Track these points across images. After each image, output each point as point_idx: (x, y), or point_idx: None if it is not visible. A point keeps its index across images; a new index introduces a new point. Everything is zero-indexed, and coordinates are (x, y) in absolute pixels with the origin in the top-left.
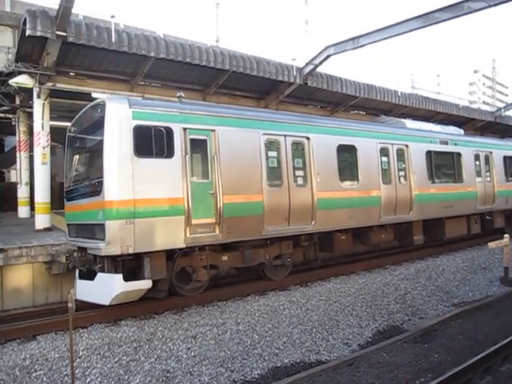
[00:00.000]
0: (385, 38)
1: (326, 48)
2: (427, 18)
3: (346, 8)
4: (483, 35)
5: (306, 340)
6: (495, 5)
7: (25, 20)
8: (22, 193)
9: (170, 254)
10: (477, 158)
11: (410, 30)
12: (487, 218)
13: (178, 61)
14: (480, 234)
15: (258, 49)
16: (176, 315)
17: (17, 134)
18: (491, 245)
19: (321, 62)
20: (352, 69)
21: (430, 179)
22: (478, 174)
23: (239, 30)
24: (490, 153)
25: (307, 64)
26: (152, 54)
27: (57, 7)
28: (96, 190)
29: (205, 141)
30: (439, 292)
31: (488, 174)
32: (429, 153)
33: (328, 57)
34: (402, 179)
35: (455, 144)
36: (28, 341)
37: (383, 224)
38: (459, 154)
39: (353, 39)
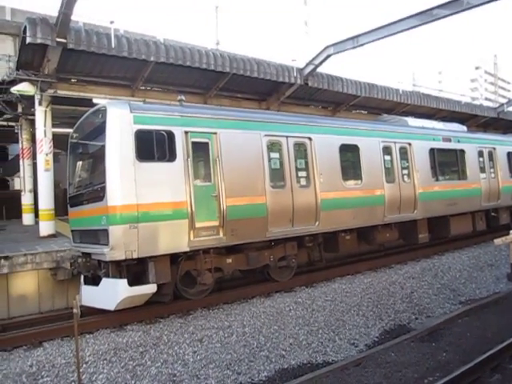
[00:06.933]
0: (384, 37)
1: (326, 48)
2: (426, 15)
3: (345, 8)
4: (484, 31)
5: (313, 341)
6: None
7: (25, 28)
8: (26, 200)
9: (175, 258)
10: (480, 154)
11: (409, 28)
12: (492, 214)
13: (178, 64)
14: (485, 231)
15: (258, 50)
16: (181, 319)
17: (20, 142)
18: (497, 241)
19: (321, 62)
20: (353, 68)
21: (433, 177)
22: (482, 170)
23: (239, 33)
24: (494, 149)
25: (307, 64)
26: (152, 59)
27: (56, 15)
28: (99, 195)
29: (207, 144)
30: (446, 290)
31: (492, 170)
32: (432, 150)
33: (328, 57)
34: (405, 177)
35: (458, 141)
36: (34, 347)
37: (388, 223)
38: (463, 151)
39: (352, 38)
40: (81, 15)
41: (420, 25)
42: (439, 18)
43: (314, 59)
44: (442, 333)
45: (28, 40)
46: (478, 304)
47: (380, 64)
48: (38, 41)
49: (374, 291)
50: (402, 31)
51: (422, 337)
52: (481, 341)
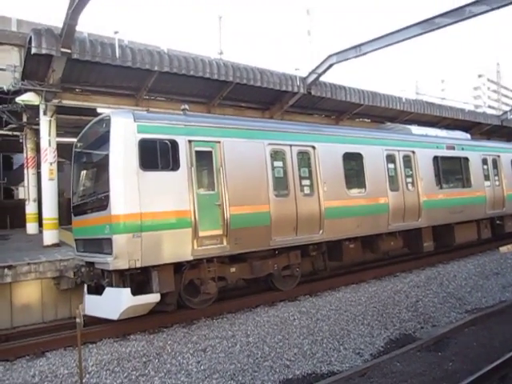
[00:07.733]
0: (387, 45)
1: (329, 57)
2: (429, 24)
3: (348, 17)
4: (487, 39)
5: (317, 351)
6: (497, 8)
7: (30, 38)
8: (30, 209)
9: (178, 267)
10: (484, 162)
11: (412, 37)
12: (497, 222)
13: (182, 74)
14: (491, 239)
15: (261, 60)
16: (185, 328)
17: (24, 151)
18: (502, 249)
19: (324, 71)
20: (356, 77)
21: (437, 185)
22: (487, 178)
23: (242, 42)
24: (498, 156)
25: (310, 73)
26: (156, 68)
27: (61, 25)
28: (102, 204)
29: (210, 152)
30: (451, 299)
31: (496, 177)
32: (436, 158)
33: (331, 66)
34: (409, 186)
35: (462, 149)
36: (37, 357)
37: (392, 231)
38: (466, 159)
39: (355, 47)
40: (86, 26)
41: (423, 33)
42: (442, 27)
43: (316, 68)
44: (448, 342)
45: (33, 50)
46: (484, 313)
47: (383, 72)
48: (43, 51)
49: (378, 300)
50: (404, 40)
51: (428, 346)
52: (488, 350)
